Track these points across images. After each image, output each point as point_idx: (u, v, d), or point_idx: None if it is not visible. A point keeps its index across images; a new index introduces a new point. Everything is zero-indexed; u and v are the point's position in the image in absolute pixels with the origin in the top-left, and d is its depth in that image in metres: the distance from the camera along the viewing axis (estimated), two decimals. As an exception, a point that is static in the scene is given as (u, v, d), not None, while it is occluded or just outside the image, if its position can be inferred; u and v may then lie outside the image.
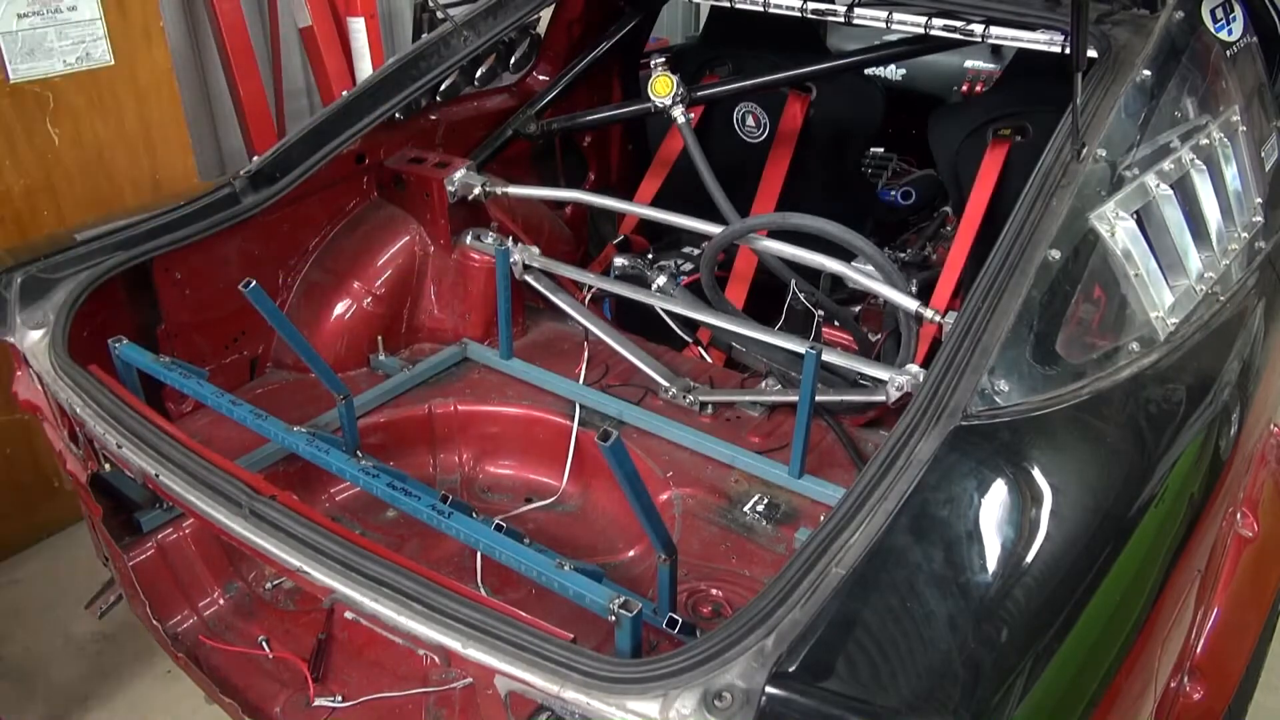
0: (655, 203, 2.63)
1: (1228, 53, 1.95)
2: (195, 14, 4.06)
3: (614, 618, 1.22)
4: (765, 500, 1.85)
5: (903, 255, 2.80)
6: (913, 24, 2.06)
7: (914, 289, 2.04)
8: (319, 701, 1.69)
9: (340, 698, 1.69)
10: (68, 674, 2.59)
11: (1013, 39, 1.97)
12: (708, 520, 1.83)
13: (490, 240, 2.34)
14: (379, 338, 2.28)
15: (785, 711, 1.00)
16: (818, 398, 1.83)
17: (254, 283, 1.56)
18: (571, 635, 1.17)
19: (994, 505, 1.25)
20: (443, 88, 2.49)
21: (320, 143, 2.15)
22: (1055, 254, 1.44)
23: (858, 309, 2.61)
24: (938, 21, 2.03)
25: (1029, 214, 1.50)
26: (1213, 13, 1.95)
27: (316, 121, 2.15)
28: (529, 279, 2.31)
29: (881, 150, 3.26)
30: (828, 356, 1.89)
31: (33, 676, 2.59)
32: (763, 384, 2.14)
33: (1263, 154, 2.01)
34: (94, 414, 1.58)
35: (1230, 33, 1.98)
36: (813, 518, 1.81)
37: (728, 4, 2.33)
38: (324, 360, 1.83)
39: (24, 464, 2.88)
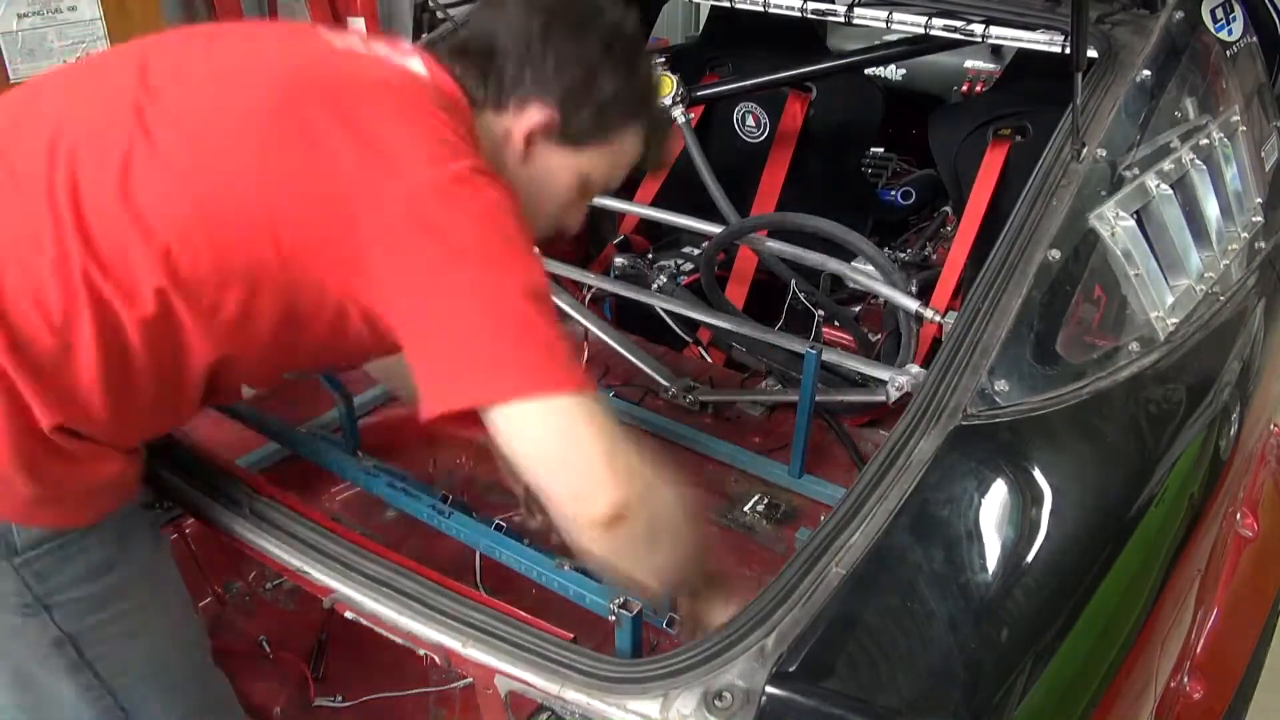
0: (655, 203, 2.63)
1: (1228, 53, 1.95)
2: (195, 14, 4.06)
3: (614, 617, 1.22)
4: (765, 500, 1.85)
5: (903, 255, 2.80)
6: (913, 24, 2.06)
7: (914, 289, 2.04)
8: (319, 701, 1.69)
9: (340, 698, 1.69)
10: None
11: (1013, 39, 1.97)
12: (708, 520, 1.83)
13: (490, 240, 2.33)
14: (379, 337, 2.27)
15: (786, 711, 1.00)
16: (818, 398, 1.84)
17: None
18: (572, 635, 1.17)
19: (994, 505, 1.25)
20: (443, 88, 2.49)
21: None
22: (1055, 254, 1.44)
23: (858, 309, 2.61)
24: (938, 21, 2.03)
25: (1029, 214, 1.50)
26: (1213, 13, 1.95)
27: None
28: (529, 279, 2.30)
29: (881, 150, 3.26)
30: (828, 356, 1.89)
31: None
32: (763, 384, 2.14)
33: (1263, 154, 2.01)
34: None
35: (1230, 33, 1.98)
36: (813, 518, 1.81)
37: (728, 4, 2.33)
38: (324, 360, 1.83)
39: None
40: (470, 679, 1.19)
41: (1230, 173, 1.81)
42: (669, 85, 2.42)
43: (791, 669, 1.02)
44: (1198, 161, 1.71)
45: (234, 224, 1.05)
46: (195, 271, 1.04)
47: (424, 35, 2.46)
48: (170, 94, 1.10)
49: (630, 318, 2.44)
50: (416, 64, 1.19)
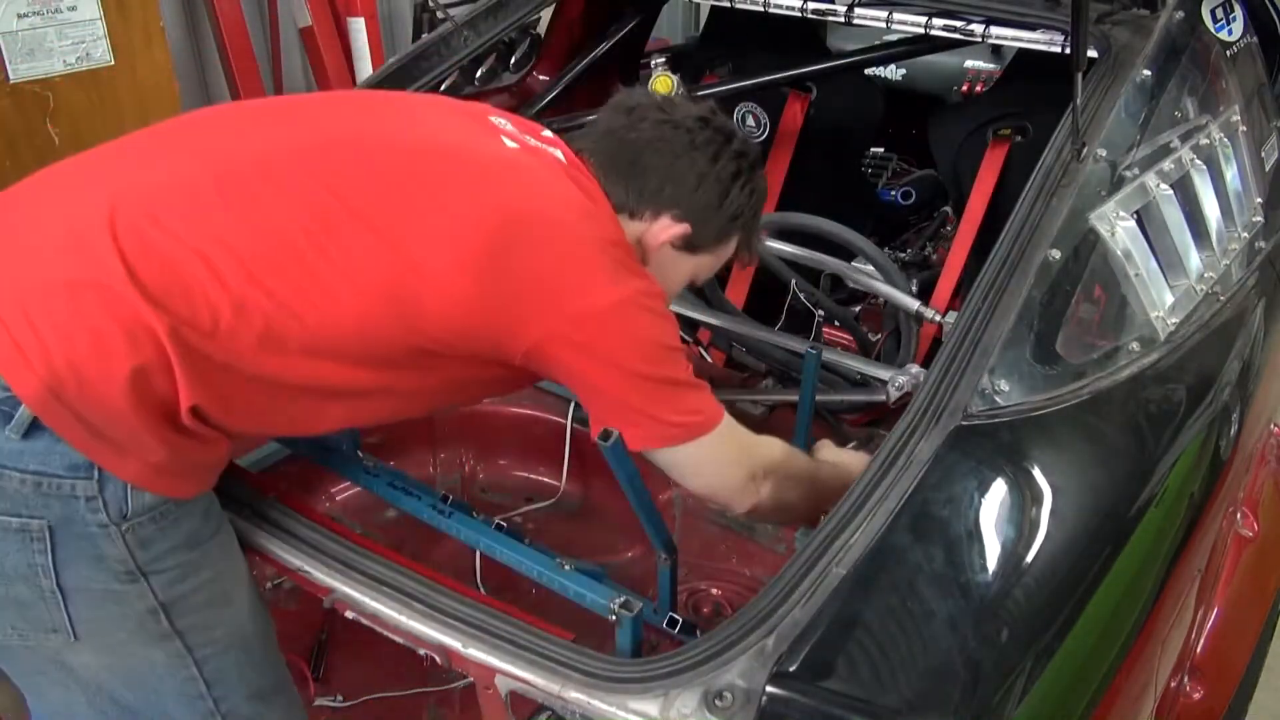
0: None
1: (1228, 53, 1.95)
2: (195, 14, 4.07)
3: (614, 618, 1.22)
4: (765, 500, 1.85)
5: (903, 255, 2.80)
6: (913, 24, 2.06)
7: (914, 289, 2.04)
8: (319, 701, 1.69)
9: (340, 698, 1.69)
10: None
11: (1013, 39, 1.97)
12: (708, 520, 1.84)
13: (490, 240, 2.33)
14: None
15: (786, 711, 1.00)
16: (818, 398, 1.83)
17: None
18: (572, 635, 1.17)
19: (994, 505, 1.25)
20: (442, 88, 2.49)
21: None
22: (1055, 254, 1.44)
23: (858, 309, 2.61)
24: (938, 21, 2.03)
25: (1029, 214, 1.50)
26: (1213, 13, 1.95)
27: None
28: (529, 279, 2.30)
29: (881, 150, 3.26)
30: (828, 356, 1.89)
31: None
32: (763, 384, 2.14)
33: (1263, 154, 2.01)
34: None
35: (1230, 33, 1.98)
36: (812, 518, 1.81)
37: (728, 4, 2.33)
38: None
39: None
40: (470, 679, 1.19)
41: (1230, 173, 1.82)
42: (669, 85, 2.41)
43: (792, 669, 1.02)
44: (1198, 161, 1.71)
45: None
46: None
47: (423, 35, 2.46)
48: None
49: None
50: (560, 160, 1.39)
